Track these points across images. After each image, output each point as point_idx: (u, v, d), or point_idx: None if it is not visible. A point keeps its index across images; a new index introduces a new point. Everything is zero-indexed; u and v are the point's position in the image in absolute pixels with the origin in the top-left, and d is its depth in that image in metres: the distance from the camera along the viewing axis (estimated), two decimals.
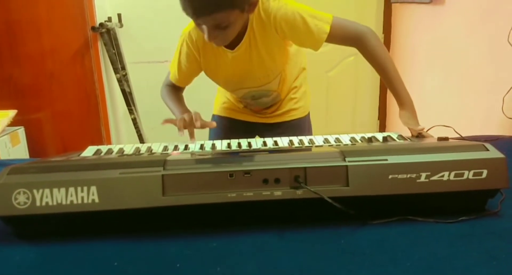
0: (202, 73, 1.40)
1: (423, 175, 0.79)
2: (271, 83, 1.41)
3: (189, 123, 1.20)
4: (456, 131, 1.22)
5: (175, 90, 1.44)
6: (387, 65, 1.23)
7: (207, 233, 0.80)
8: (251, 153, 0.92)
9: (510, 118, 1.68)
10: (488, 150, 0.83)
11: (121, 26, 2.96)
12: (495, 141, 1.25)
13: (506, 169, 0.81)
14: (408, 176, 0.79)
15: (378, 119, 3.53)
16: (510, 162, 0.83)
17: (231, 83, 1.42)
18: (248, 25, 1.24)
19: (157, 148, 1.10)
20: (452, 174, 0.80)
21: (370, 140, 1.06)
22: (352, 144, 1.04)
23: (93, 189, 0.77)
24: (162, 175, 0.78)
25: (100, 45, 2.71)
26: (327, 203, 0.77)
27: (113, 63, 2.75)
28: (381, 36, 3.20)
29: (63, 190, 0.76)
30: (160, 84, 1.48)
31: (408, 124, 1.20)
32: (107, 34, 2.73)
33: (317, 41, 1.23)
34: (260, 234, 0.79)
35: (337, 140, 1.11)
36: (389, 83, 1.24)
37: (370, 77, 3.38)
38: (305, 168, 0.79)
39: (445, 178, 0.80)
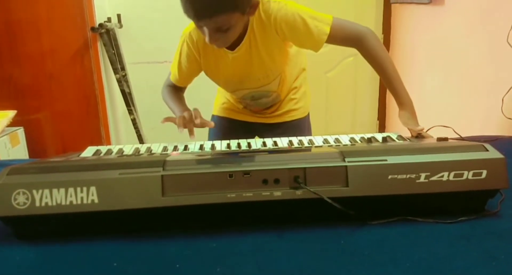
0: (202, 73, 1.40)
1: (423, 175, 0.79)
2: (271, 84, 1.41)
3: (188, 121, 1.20)
4: (455, 132, 1.23)
5: (176, 90, 1.45)
6: (387, 65, 1.23)
7: (207, 233, 0.80)
8: (250, 153, 0.92)
9: (509, 118, 1.68)
10: (487, 150, 0.83)
11: (121, 26, 2.96)
12: (495, 141, 1.25)
13: (505, 169, 0.81)
14: (408, 176, 0.79)
15: (378, 119, 3.53)
16: (510, 162, 0.83)
17: (231, 84, 1.42)
18: (249, 26, 1.24)
19: (157, 148, 1.10)
20: (452, 174, 0.80)
21: (369, 140, 1.06)
22: (351, 144, 1.04)
23: (93, 189, 0.77)
24: (162, 175, 0.78)
25: (99, 45, 2.71)
26: (327, 203, 0.77)
27: (112, 63, 2.75)
28: (380, 36, 3.20)
29: (62, 190, 0.76)
30: (159, 84, 1.48)
31: (407, 125, 1.20)
32: (107, 35, 2.73)
33: (317, 42, 1.23)
34: (259, 234, 0.79)
35: (337, 140, 1.11)
36: (389, 84, 1.24)
37: (370, 78, 3.38)
38: (304, 168, 0.79)
39: (445, 178, 0.80)
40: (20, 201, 0.76)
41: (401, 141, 1.08)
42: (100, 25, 2.64)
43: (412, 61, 2.88)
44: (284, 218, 0.83)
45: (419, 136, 1.15)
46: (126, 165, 0.80)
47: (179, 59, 1.36)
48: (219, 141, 1.16)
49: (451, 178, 0.80)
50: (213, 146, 1.11)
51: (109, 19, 2.83)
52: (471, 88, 2.15)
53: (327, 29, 1.21)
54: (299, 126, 1.58)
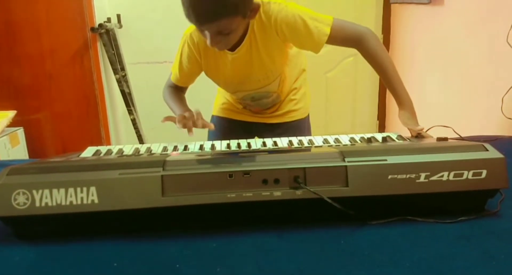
0: (203, 74, 1.40)
1: (423, 175, 0.79)
2: (271, 84, 1.41)
3: (188, 120, 1.20)
4: (455, 132, 1.23)
5: (177, 91, 1.45)
6: (387, 65, 1.23)
7: (207, 233, 0.80)
8: (250, 153, 0.92)
9: (509, 118, 1.68)
10: (487, 150, 0.83)
11: (121, 26, 2.96)
12: (495, 141, 1.25)
13: (505, 169, 0.81)
14: (408, 176, 0.79)
15: (378, 119, 3.53)
16: (510, 162, 0.83)
17: (232, 85, 1.43)
18: (249, 27, 1.24)
19: (157, 149, 1.10)
20: (452, 174, 0.80)
21: (369, 140, 1.06)
22: (351, 144, 1.04)
23: (93, 189, 0.77)
24: (162, 176, 0.78)
25: (99, 45, 2.71)
26: (327, 203, 0.77)
27: (112, 64, 2.75)
28: (380, 36, 3.20)
29: (62, 190, 0.76)
30: (159, 84, 1.48)
31: (407, 125, 1.20)
32: (107, 35, 2.73)
33: (317, 43, 1.23)
34: (259, 234, 0.79)
35: (337, 140, 1.11)
36: (389, 84, 1.24)
37: (369, 78, 3.38)
38: (304, 168, 0.79)
39: (445, 178, 0.80)
40: (20, 201, 0.76)
41: (401, 141, 1.08)
42: (100, 25, 2.64)
43: (412, 61, 2.88)
44: (284, 218, 0.83)
45: (419, 136, 1.15)
46: (126, 165, 0.80)
47: (180, 59, 1.36)
48: (219, 141, 1.16)
49: (451, 177, 0.80)
50: (213, 146, 1.12)
51: (109, 20, 2.83)
52: (471, 88, 2.16)
53: (327, 30, 1.21)
54: (299, 127, 1.58)
